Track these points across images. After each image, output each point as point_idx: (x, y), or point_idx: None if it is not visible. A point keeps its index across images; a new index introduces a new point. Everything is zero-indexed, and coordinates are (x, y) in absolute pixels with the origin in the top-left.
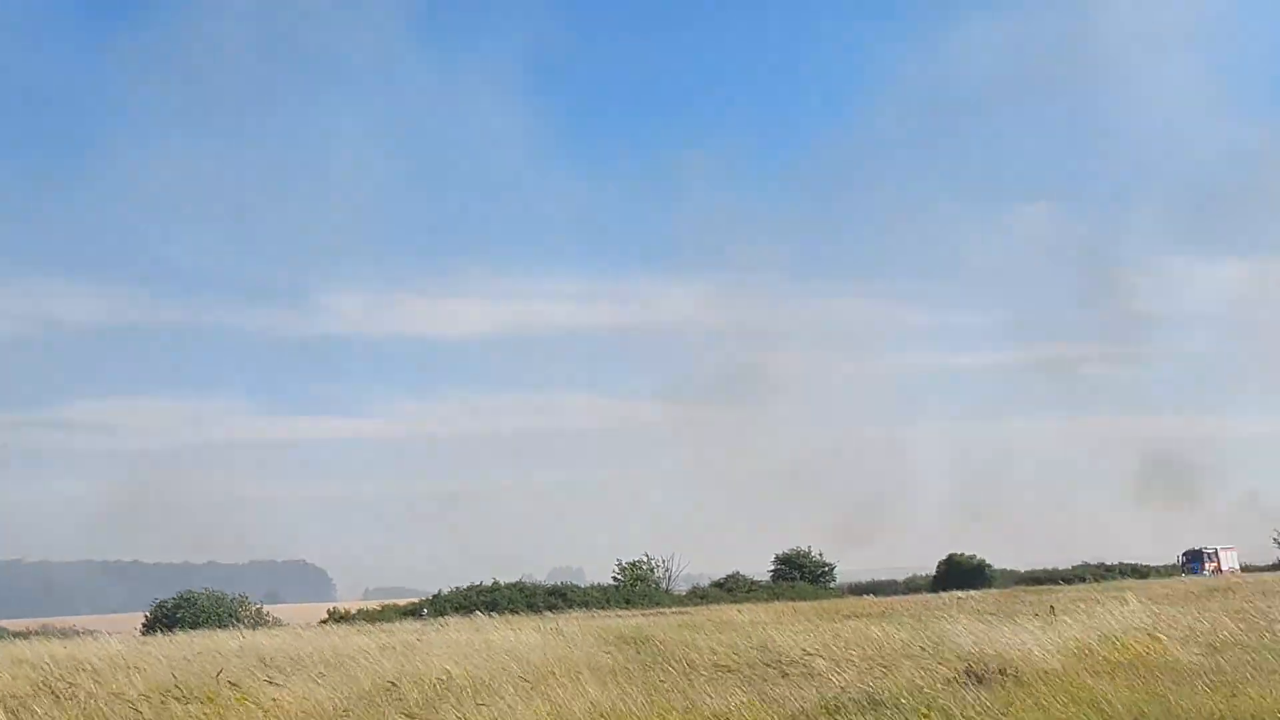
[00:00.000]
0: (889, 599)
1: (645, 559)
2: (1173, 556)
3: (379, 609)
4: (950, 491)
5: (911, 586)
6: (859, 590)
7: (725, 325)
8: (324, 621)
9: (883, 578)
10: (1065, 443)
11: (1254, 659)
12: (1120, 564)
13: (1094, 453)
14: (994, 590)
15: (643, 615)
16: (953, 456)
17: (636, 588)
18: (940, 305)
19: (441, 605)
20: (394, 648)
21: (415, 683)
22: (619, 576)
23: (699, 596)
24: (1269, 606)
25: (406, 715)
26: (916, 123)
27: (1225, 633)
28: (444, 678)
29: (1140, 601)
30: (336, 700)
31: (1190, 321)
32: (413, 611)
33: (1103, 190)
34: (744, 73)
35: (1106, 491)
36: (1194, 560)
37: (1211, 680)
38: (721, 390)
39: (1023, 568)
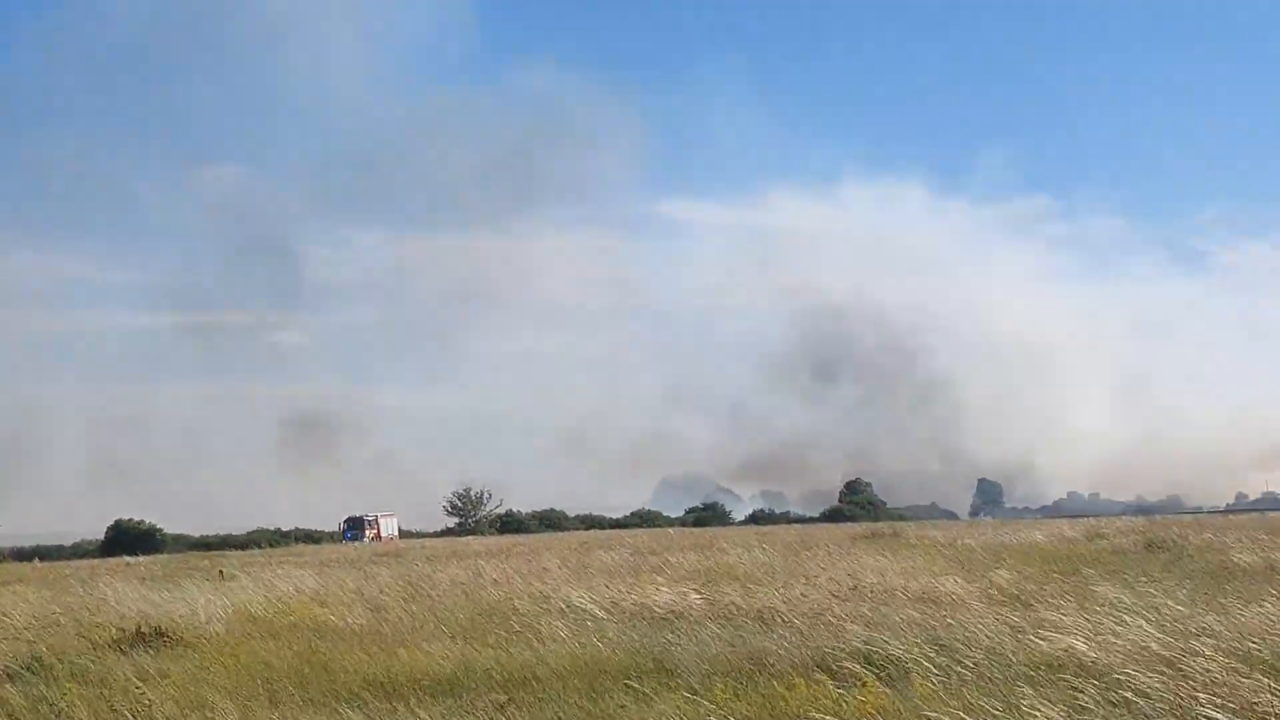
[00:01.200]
0: (53, 564)
1: None
2: (335, 524)
3: None
4: (111, 455)
5: (80, 552)
6: (22, 556)
7: None
8: None
9: (49, 543)
10: (227, 409)
11: (412, 621)
12: (296, 530)
13: (256, 420)
14: (166, 556)
15: None
16: (113, 419)
17: None
18: (109, 262)
19: None
20: None
21: None
22: None
23: None
24: (432, 571)
25: None
26: (92, 70)
27: (388, 595)
28: None
29: (307, 567)
30: None
31: (355, 292)
32: None
33: (289, 158)
34: None
35: (272, 459)
36: (354, 528)
37: (370, 641)
38: None
39: (197, 534)
